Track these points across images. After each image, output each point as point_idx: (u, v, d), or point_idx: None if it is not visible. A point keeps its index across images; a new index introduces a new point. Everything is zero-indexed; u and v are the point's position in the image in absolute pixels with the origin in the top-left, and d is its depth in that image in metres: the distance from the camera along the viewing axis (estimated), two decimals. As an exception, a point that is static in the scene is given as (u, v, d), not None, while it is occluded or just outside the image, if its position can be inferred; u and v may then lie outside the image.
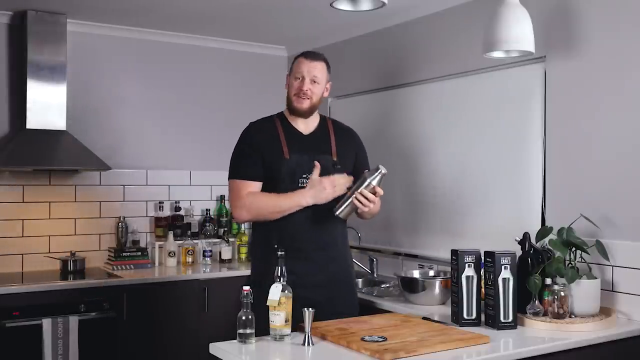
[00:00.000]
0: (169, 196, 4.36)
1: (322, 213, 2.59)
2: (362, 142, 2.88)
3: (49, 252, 3.93)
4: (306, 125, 2.72)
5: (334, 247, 2.69)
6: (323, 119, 2.80)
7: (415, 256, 3.65)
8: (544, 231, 2.69)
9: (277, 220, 2.58)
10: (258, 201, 2.60)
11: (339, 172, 2.65)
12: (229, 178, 2.69)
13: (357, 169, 2.76)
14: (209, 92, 4.55)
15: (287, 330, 2.19)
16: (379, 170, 2.47)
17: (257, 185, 2.65)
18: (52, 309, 3.35)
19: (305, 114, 2.68)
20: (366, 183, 2.47)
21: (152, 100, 4.33)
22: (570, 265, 2.59)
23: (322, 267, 2.64)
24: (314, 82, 2.64)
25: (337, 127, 2.81)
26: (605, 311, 2.58)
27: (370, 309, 2.92)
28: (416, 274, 3.18)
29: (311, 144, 2.69)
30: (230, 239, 4.38)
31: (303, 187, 2.59)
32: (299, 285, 2.47)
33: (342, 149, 2.74)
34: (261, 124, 2.73)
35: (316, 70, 2.65)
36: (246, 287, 2.18)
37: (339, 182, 2.55)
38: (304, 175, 2.60)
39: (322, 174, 2.60)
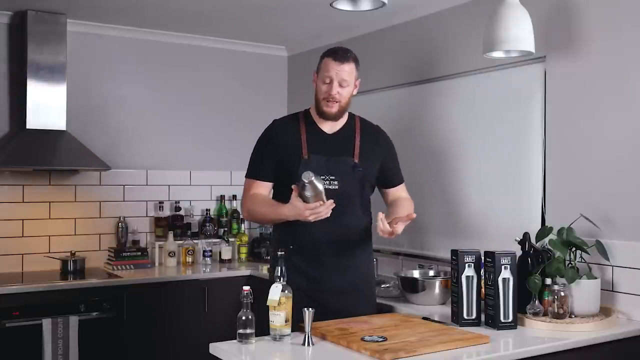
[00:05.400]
0: (169, 196, 4.36)
1: (344, 220, 2.55)
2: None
3: (49, 252, 3.93)
4: (331, 125, 2.65)
5: (351, 253, 2.63)
6: (351, 117, 2.71)
7: (415, 256, 3.65)
8: (544, 231, 2.69)
9: (296, 222, 2.47)
10: (254, 205, 2.61)
11: (360, 174, 2.61)
12: (245, 175, 2.71)
13: (385, 169, 2.73)
14: (209, 92, 4.54)
15: (287, 330, 2.19)
16: (302, 182, 2.31)
17: (265, 186, 2.65)
18: (52, 309, 3.35)
19: (335, 118, 2.61)
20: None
21: (152, 100, 4.33)
22: (570, 265, 2.59)
23: (339, 273, 2.59)
24: (342, 85, 2.55)
25: (365, 126, 2.73)
26: (605, 311, 2.58)
27: (370, 309, 2.92)
28: (416, 274, 3.18)
29: (333, 145, 2.62)
30: (230, 239, 4.38)
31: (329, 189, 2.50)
32: (316, 290, 2.49)
33: (367, 150, 2.65)
34: (284, 123, 2.69)
35: (344, 72, 2.53)
36: (246, 287, 2.18)
37: (324, 210, 2.37)
38: (323, 177, 2.50)
39: (342, 177, 2.56)
